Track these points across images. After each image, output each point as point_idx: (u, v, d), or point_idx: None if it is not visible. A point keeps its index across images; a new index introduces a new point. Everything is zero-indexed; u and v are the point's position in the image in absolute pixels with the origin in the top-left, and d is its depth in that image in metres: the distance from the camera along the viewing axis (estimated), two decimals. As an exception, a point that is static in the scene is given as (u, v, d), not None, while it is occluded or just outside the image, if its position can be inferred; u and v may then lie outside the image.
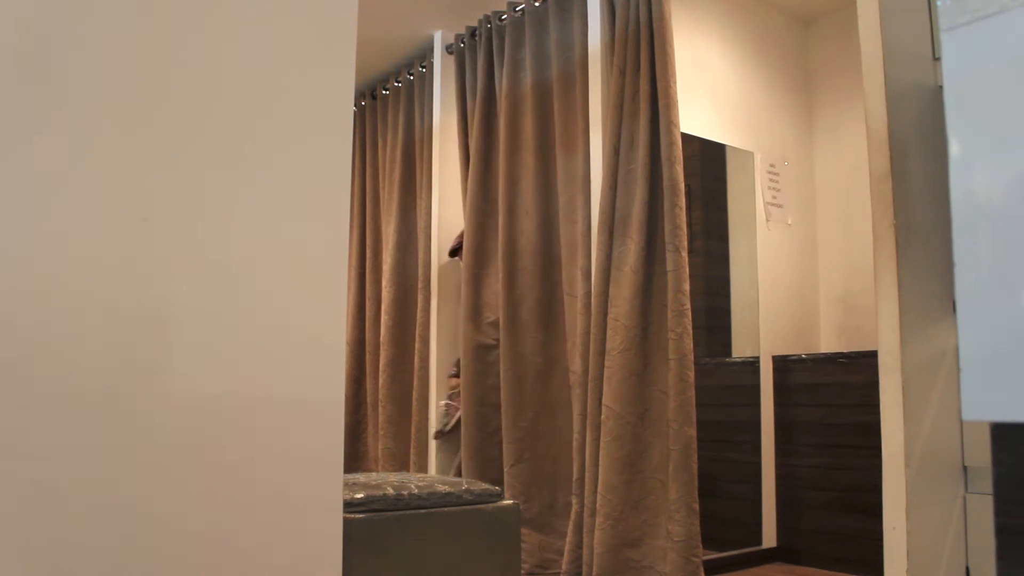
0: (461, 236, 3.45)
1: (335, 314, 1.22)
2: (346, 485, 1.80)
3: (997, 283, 0.60)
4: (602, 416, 2.66)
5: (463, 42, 3.62)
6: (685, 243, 2.60)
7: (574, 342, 2.92)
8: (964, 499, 1.67)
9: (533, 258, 3.12)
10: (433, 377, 3.52)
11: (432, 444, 3.48)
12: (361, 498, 1.76)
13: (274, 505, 1.13)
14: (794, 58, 3.69)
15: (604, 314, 2.73)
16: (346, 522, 1.29)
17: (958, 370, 0.61)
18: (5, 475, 0.93)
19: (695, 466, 2.51)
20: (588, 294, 2.87)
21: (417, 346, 3.65)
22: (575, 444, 2.83)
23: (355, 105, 4.32)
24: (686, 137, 2.88)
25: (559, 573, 2.86)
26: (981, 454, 1.65)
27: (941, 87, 0.66)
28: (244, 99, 1.16)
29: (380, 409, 3.77)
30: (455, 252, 3.54)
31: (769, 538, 3.17)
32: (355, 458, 3.95)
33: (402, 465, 3.67)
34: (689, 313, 2.57)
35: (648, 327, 2.67)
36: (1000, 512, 0.65)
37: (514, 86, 3.28)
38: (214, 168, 1.13)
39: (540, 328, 3.10)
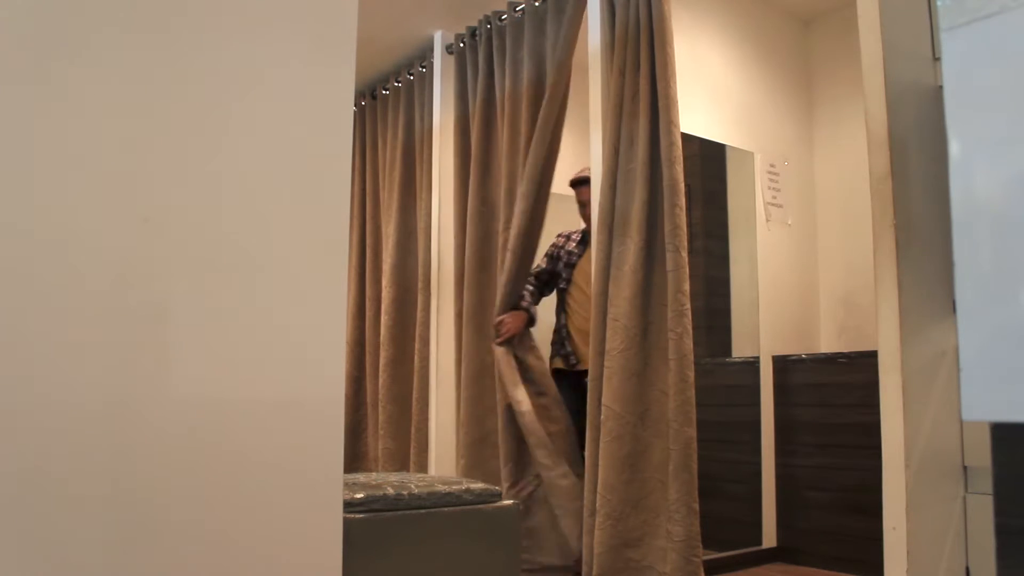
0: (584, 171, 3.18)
1: (335, 314, 1.22)
2: (346, 485, 1.80)
3: (997, 283, 0.60)
4: (602, 416, 2.66)
5: (463, 42, 3.62)
6: (685, 243, 2.60)
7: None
8: (964, 499, 1.67)
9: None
10: (433, 377, 3.52)
11: (432, 444, 3.48)
12: (361, 498, 1.76)
13: (274, 505, 1.13)
14: (794, 58, 3.69)
15: (604, 314, 2.73)
16: (346, 522, 1.29)
17: (958, 370, 0.62)
18: (5, 474, 0.93)
19: (695, 466, 2.51)
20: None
21: (417, 346, 3.65)
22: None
23: (355, 105, 4.32)
24: (686, 137, 2.88)
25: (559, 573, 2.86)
26: (981, 454, 1.65)
27: (941, 87, 0.66)
28: (244, 99, 1.16)
29: (380, 409, 3.77)
30: (577, 183, 3.29)
31: (769, 538, 3.17)
32: (355, 458, 3.95)
33: (402, 465, 3.67)
34: (689, 313, 2.57)
35: (648, 327, 2.67)
36: (1000, 512, 0.65)
37: (514, 86, 3.28)
38: (214, 168, 1.13)
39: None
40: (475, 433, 3.22)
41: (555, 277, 3.34)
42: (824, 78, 3.69)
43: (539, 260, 3.29)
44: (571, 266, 3.32)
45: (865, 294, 3.26)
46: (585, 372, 2.87)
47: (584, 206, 3.20)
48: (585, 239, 3.28)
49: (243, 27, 1.17)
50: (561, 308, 3.33)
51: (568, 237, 3.41)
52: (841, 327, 3.51)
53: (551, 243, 3.40)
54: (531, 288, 3.23)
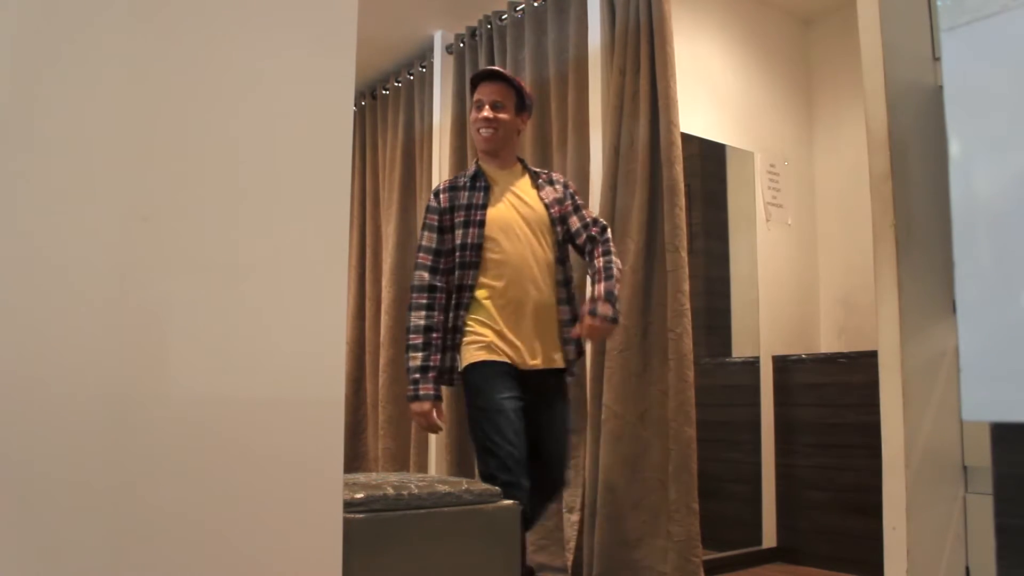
0: None
1: (335, 314, 1.22)
2: (346, 485, 1.80)
3: (997, 283, 0.60)
4: (602, 416, 2.66)
5: (463, 42, 3.61)
6: (685, 243, 2.60)
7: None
8: (964, 499, 1.67)
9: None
10: (433, 377, 3.51)
11: (432, 444, 3.48)
12: (361, 498, 1.76)
13: (274, 505, 1.13)
14: (794, 58, 3.69)
15: (604, 314, 2.73)
16: (346, 522, 1.29)
17: (958, 370, 0.62)
18: (4, 473, 0.93)
19: (695, 466, 2.51)
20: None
21: (417, 346, 3.64)
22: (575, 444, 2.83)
23: (355, 105, 4.32)
24: (686, 137, 2.87)
25: (559, 573, 2.86)
26: (981, 454, 1.65)
27: (941, 87, 0.66)
28: (244, 99, 1.16)
29: (380, 409, 3.77)
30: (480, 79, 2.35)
31: (769, 538, 3.17)
32: (355, 458, 3.95)
33: (402, 465, 3.67)
34: (689, 313, 2.57)
35: (648, 327, 2.67)
36: (1000, 512, 0.65)
37: (514, 86, 3.28)
38: (214, 168, 1.13)
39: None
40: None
41: (455, 252, 2.23)
42: (824, 78, 3.69)
43: (422, 241, 2.26)
44: (479, 224, 2.20)
45: (865, 294, 3.26)
46: (538, 372, 2.21)
47: (479, 107, 2.26)
48: (479, 177, 2.26)
49: (243, 26, 1.17)
50: (471, 287, 2.20)
51: (455, 187, 2.28)
52: (841, 327, 3.51)
53: (427, 206, 2.31)
54: (427, 302, 2.18)
